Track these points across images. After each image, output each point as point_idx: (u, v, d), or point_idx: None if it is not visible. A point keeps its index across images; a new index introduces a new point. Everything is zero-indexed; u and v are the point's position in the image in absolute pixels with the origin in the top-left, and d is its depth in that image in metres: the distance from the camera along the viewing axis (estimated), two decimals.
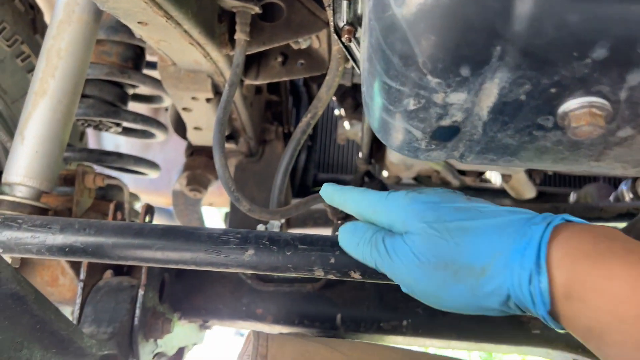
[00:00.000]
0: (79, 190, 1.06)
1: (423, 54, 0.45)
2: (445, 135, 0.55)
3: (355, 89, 1.63)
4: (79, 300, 0.93)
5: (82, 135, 1.77)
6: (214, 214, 3.56)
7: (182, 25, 0.85)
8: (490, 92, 0.48)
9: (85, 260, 0.87)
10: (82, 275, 0.95)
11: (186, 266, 0.72)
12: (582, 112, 0.47)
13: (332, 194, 0.68)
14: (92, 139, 2.26)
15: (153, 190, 2.29)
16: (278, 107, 1.63)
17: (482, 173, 1.61)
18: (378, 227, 0.61)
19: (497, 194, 2.14)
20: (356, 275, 0.71)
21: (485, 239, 0.51)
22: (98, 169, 1.43)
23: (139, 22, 0.83)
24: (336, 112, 1.75)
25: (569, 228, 0.49)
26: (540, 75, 0.45)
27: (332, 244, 0.71)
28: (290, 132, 1.73)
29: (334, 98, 1.70)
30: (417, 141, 0.57)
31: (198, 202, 1.68)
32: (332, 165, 2.11)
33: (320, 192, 0.70)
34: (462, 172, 1.58)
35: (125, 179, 2.38)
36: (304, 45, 1.16)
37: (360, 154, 1.67)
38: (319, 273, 0.71)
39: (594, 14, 0.41)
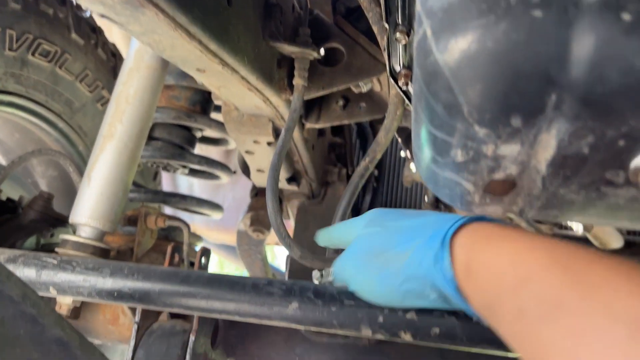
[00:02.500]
0: (141, 230, 1.08)
1: (468, 104, 0.41)
2: (499, 189, 0.50)
3: None
4: (132, 343, 0.93)
5: (156, 175, 1.84)
6: (280, 253, 3.58)
7: (238, 72, 0.86)
8: (548, 144, 0.43)
9: (133, 305, 0.88)
10: (137, 318, 0.96)
11: (229, 317, 0.70)
12: None
13: (323, 239, 0.77)
14: (167, 176, 2.35)
15: (222, 228, 2.34)
16: (342, 149, 1.62)
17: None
18: None
19: (578, 241, 1.98)
20: (407, 337, 0.65)
21: (411, 232, 0.58)
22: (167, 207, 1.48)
23: (197, 69, 0.85)
24: (402, 154, 1.71)
25: (480, 221, 0.53)
26: (605, 126, 0.39)
27: None
28: None
29: (400, 140, 1.66)
30: (469, 194, 0.52)
31: (261, 242, 1.68)
32: (398, 206, 2.05)
33: (318, 242, 0.78)
34: (538, 220, 1.47)
35: (195, 217, 2.44)
36: (365, 89, 1.14)
37: (426, 198, 1.61)
38: (366, 332, 0.66)
39: None
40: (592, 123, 0.39)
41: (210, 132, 1.45)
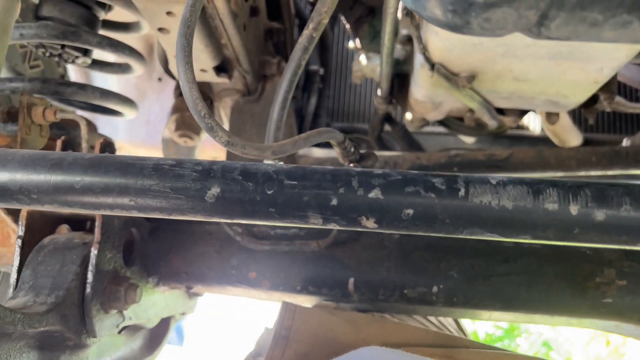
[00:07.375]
0: (25, 126, 0.84)
1: None
2: None
3: (373, 12, 1.37)
4: (16, 262, 0.73)
5: (63, 77, 1.56)
6: None
7: None
8: None
9: None
10: (21, 231, 0.75)
11: (125, 212, 0.51)
12: None
13: None
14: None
15: (150, 144, 2.08)
16: (281, 36, 1.39)
17: (524, 112, 1.35)
18: None
19: (535, 142, 1.89)
20: (369, 223, 0.48)
21: None
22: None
23: None
24: (350, 44, 1.50)
25: None
26: None
27: (333, 178, 0.48)
28: None
29: (348, 27, 1.44)
30: None
31: (191, 150, 1.46)
32: (346, 112, 1.86)
33: None
34: (501, 112, 1.32)
35: (119, 132, 2.16)
36: None
37: (379, 91, 1.42)
38: (315, 221, 0.49)
39: None
40: None
41: (116, 15, 1.18)
